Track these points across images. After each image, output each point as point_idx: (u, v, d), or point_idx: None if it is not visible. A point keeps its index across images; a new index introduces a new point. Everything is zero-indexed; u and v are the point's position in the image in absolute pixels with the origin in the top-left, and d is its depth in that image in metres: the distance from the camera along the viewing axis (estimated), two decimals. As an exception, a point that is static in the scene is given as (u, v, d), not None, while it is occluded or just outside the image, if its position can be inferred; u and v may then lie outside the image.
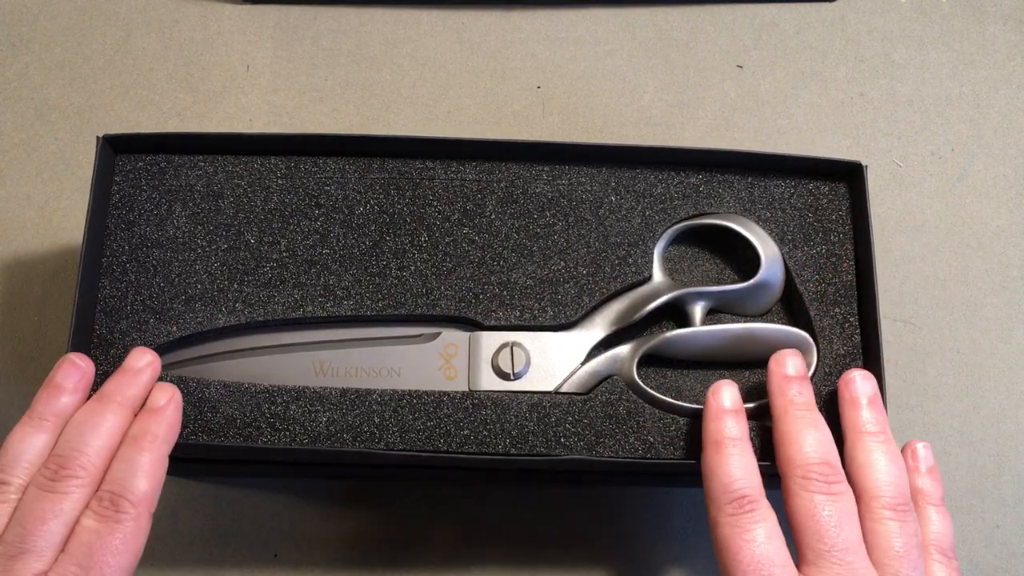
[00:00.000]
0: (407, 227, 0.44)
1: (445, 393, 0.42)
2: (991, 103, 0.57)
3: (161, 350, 0.42)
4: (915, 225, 0.54)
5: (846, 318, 0.43)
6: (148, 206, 0.44)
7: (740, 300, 0.44)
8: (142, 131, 0.53)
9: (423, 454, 0.41)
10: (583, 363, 0.43)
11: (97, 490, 0.36)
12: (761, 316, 0.45)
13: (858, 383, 0.40)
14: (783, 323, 0.44)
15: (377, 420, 0.41)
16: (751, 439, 0.40)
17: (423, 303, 0.43)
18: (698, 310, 0.44)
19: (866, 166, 0.44)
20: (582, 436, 0.41)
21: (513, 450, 0.41)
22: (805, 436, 0.38)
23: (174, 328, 0.42)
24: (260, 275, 0.43)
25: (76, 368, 0.39)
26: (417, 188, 0.45)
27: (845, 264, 0.44)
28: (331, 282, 0.43)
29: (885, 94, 0.57)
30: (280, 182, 0.45)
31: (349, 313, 0.43)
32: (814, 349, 0.43)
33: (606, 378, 0.42)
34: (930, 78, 0.57)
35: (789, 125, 0.56)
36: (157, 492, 0.37)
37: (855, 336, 0.43)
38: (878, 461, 0.38)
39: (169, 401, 0.39)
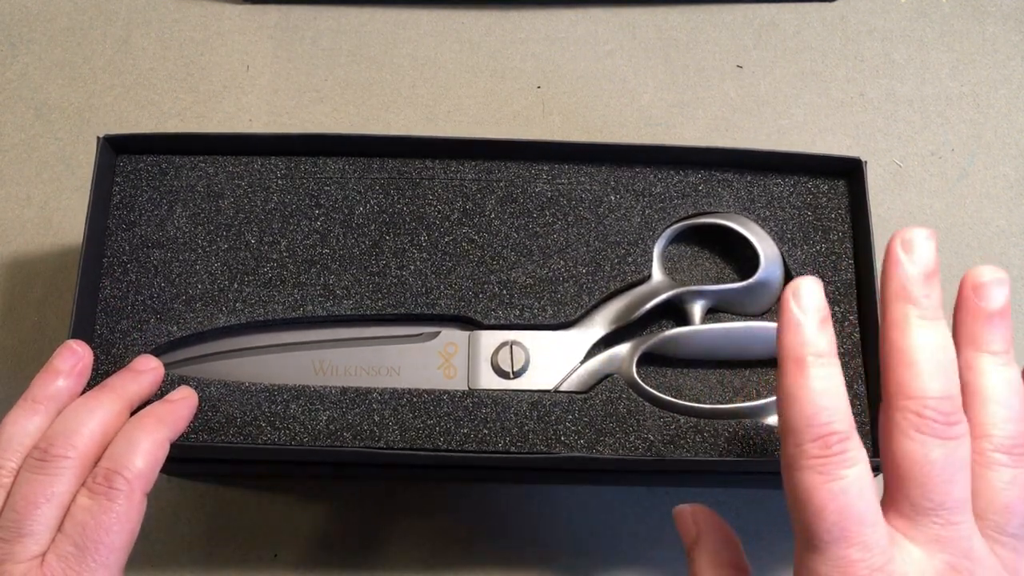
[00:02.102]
0: (407, 227, 0.44)
1: (445, 392, 0.42)
2: (991, 103, 0.57)
3: (161, 350, 0.42)
4: (915, 225, 0.54)
5: (846, 316, 0.43)
6: (148, 206, 0.44)
7: (739, 299, 0.44)
8: (142, 131, 0.53)
9: (423, 453, 0.41)
10: (582, 362, 0.43)
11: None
12: (760, 315, 0.45)
13: (990, 288, 0.32)
14: (783, 322, 0.44)
15: (377, 419, 0.41)
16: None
17: (423, 302, 0.43)
18: (697, 309, 0.44)
19: (865, 162, 0.44)
20: (582, 434, 0.41)
21: (513, 448, 0.41)
22: (928, 358, 0.30)
23: (175, 328, 0.42)
24: (260, 275, 0.43)
25: (73, 353, 0.39)
26: (417, 188, 0.45)
27: (844, 263, 0.44)
28: (331, 282, 0.43)
29: (885, 94, 0.57)
30: (280, 182, 0.45)
31: (349, 312, 0.43)
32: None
33: (606, 377, 0.42)
34: (930, 78, 0.57)
35: (789, 125, 0.56)
36: (153, 475, 0.36)
37: (855, 335, 0.43)
38: (995, 388, 0.31)
39: (183, 398, 0.40)
